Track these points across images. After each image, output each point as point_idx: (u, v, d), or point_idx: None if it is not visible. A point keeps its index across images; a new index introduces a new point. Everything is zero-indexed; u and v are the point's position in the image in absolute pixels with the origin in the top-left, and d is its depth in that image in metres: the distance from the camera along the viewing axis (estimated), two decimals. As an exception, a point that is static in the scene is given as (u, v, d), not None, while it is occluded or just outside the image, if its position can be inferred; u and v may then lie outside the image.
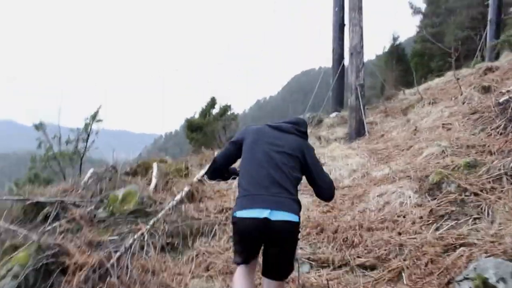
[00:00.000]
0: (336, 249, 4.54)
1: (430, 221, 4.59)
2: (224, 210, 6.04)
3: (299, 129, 3.14)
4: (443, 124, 8.04)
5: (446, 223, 4.46)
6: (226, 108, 14.28)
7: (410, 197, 5.20)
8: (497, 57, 15.67)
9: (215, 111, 14.26)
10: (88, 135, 13.54)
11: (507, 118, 6.79)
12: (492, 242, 3.79)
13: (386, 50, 41.85)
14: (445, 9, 33.56)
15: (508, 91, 7.52)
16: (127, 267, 4.30)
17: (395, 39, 41.63)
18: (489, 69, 11.05)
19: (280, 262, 2.88)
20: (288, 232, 2.78)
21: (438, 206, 4.77)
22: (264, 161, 2.89)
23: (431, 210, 4.73)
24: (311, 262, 4.38)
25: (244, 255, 2.94)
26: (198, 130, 13.40)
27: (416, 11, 38.70)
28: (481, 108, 7.87)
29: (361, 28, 11.40)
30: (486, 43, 16.46)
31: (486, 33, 16.59)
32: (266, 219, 2.67)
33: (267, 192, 2.76)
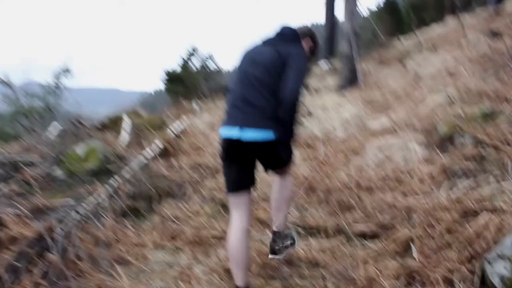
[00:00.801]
0: (329, 213, 3.77)
1: (442, 180, 3.80)
2: (199, 167, 5.23)
3: (283, 37, 2.88)
4: (447, 70, 7.20)
5: (462, 182, 3.67)
6: (207, 58, 13.26)
7: (416, 151, 4.42)
8: (498, 1, 14.69)
9: (197, 62, 13.27)
10: (59, 89, 12.56)
11: (522, 62, 5.97)
12: (525, 207, 3.02)
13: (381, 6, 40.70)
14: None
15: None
16: (73, 239, 3.49)
17: (387, -10, 40.38)
18: (496, 14, 10.12)
19: (272, 163, 2.89)
20: (267, 149, 2.66)
21: (451, 161, 3.98)
22: (241, 80, 2.76)
23: (442, 167, 3.94)
24: (298, 229, 3.60)
25: (233, 176, 2.77)
26: (178, 81, 12.43)
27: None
28: (490, 52, 7.02)
29: (356, -33, 10.33)
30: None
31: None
32: (238, 139, 2.58)
33: (239, 111, 2.65)
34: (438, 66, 7.97)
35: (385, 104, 6.95)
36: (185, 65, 13.18)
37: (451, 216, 3.14)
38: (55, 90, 12.50)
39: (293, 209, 3.91)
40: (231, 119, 2.66)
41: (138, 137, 7.06)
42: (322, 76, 11.55)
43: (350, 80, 9.89)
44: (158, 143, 6.21)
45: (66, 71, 12.53)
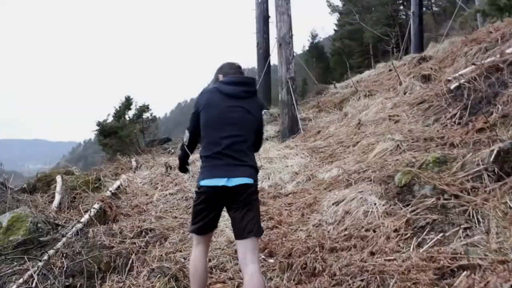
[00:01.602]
0: (294, 280, 3.44)
1: (409, 235, 3.61)
2: (144, 233, 4.76)
3: (248, 91, 3.13)
4: (389, 116, 7.26)
5: (429, 237, 3.50)
6: (143, 109, 12.77)
7: (375, 204, 4.22)
8: (421, 48, 15.54)
9: (131, 112, 12.75)
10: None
11: (461, 106, 6.09)
12: (502, 262, 2.85)
13: (307, 48, 42.17)
14: (362, 7, 33.96)
15: (455, 77, 6.83)
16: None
17: (314, 37, 42.03)
18: (423, 59, 10.57)
19: (248, 220, 2.94)
20: (246, 192, 2.93)
21: (414, 214, 3.81)
22: (227, 123, 3.00)
23: (407, 221, 3.76)
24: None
25: (202, 223, 3.04)
26: (112, 134, 11.82)
27: (334, 9, 39.09)
28: (428, 97, 7.18)
29: (289, 16, 10.46)
30: (410, 35, 16.29)
31: (410, 26, 16.43)
32: (224, 187, 2.89)
33: (224, 162, 2.95)
34: (377, 112, 8.04)
35: (331, 153, 6.84)
36: (119, 116, 12.62)
37: (428, 278, 2.93)
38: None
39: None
40: (216, 172, 2.95)
41: (73, 199, 6.47)
42: (262, 124, 11.45)
43: (291, 128, 9.82)
44: (95, 206, 5.68)
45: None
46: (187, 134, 3.31)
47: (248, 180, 2.94)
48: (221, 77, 3.22)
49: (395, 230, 3.72)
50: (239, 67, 3.32)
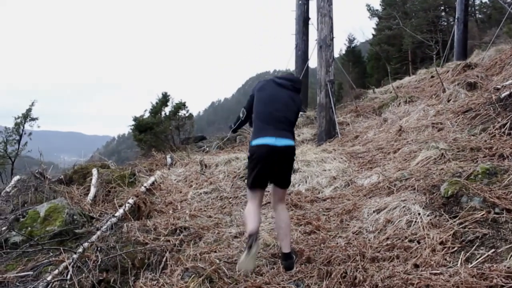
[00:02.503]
0: (333, 289, 3.29)
1: (456, 249, 3.41)
2: (178, 231, 4.69)
3: (295, 86, 4.03)
4: (432, 123, 7.01)
5: (479, 252, 3.29)
6: (180, 106, 12.78)
7: (419, 214, 4.03)
8: (465, 55, 15.08)
9: (167, 109, 12.79)
10: (20, 136, 11.76)
11: None
12: None
13: (344, 52, 41.72)
14: (402, 12, 33.34)
15: (505, 86, 6.54)
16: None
17: (351, 41, 41.55)
18: (468, 66, 10.21)
19: (285, 175, 3.81)
20: (289, 152, 3.77)
21: (462, 227, 3.61)
22: (275, 103, 3.89)
23: (454, 233, 3.56)
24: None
25: (258, 178, 3.74)
26: (148, 130, 11.87)
27: (373, 13, 38.57)
28: (474, 105, 6.89)
29: (331, 18, 10.28)
30: (453, 41, 15.81)
31: (454, 32, 15.95)
32: (275, 145, 3.65)
33: (272, 127, 3.75)
34: (419, 118, 7.79)
35: (371, 158, 6.64)
36: (155, 112, 12.68)
37: (479, 296, 2.74)
38: (16, 136, 11.73)
39: (290, 284, 3.44)
40: (272, 132, 3.73)
41: (107, 193, 6.48)
42: (297, 126, 11.28)
43: (328, 131, 9.64)
44: (130, 201, 5.67)
45: (29, 116, 11.82)
46: (243, 111, 4.21)
47: (291, 142, 3.76)
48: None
49: (441, 243, 3.52)
50: (291, 73, 4.49)
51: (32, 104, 11.92)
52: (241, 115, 4.23)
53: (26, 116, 11.64)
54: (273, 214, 4.05)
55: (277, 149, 3.65)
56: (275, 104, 3.88)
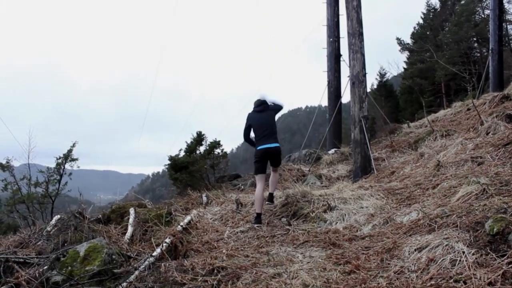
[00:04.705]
0: (378, 333, 3.18)
1: (506, 290, 3.27)
2: (216, 271, 4.66)
3: (264, 106, 7.32)
4: (471, 157, 6.83)
5: (531, 294, 3.14)
6: (214, 145, 12.95)
7: (463, 252, 3.89)
8: (501, 86, 14.81)
9: (202, 148, 12.97)
10: (61, 176, 12.10)
11: (556, 149, 5.62)
12: None
13: (375, 87, 41.61)
14: (434, 45, 33.19)
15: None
16: None
17: (382, 75, 41.47)
18: (506, 97, 10.00)
19: (277, 161, 7.27)
20: (278, 151, 7.10)
21: (511, 266, 3.46)
22: (262, 126, 7.10)
23: (503, 273, 3.41)
24: None
25: (261, 168, 7.03)
26: (183, 169, 12.01)
27: (404, 47, 38.55)
28: (515, 138, 6.71)
29: (362, 55, 10.31)
30: (488, 72, 15.58)
31: (488, 63, 15.73)
32: (269, 147, 6.95)
33: (267, 138, 7.00)
34: (458, 152, 7.62)
35: (409, 195, 6.50)
36: (190, 151, 12.85)
37: None
38: (57, 176, 12.08)
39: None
40: (266, 141, 6.96)
41: (144, 232, 6.53)
42: (332, 163, 11.21)
43: (363, 167, 9.52)
44: (167, 240, 5.69)
45: (70, 156, 12.19)
46: (244, 133, 7.37)
47: (277, 145, 7.05)
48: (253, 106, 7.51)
49: (490, 283, 3.37)
50: (258, 99, 7.44)
51: (73, 145, 12.31)
52: (244, 137, 7.46)
53: (67, 156, 12.00)
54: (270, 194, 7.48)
55: (270, 149, 6.94)
56: (262, 127, 7.06)
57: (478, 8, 32.20)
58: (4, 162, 11.82)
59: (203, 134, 13.23)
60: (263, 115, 7.10)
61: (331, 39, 14.72)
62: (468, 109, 11.24)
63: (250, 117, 7.22)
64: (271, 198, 7.42)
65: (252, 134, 7.37)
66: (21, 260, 5.26)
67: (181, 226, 6.53)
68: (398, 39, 37.90)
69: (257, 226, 6.42)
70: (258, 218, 6.55)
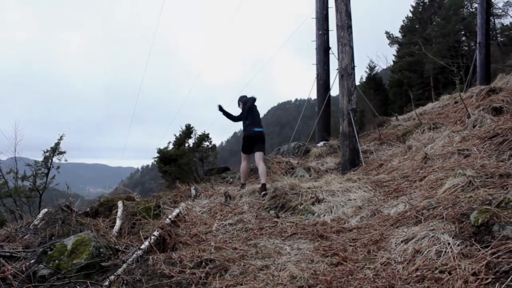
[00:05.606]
0: (364, 325, 3.21)
1: (490, 280, 3.30)
2: (204, 263, 4.66)
3: (253, 101, 8.70)
4: (458, 150, 6.90)
5: (514, 284, 3.18)
6: (203, 138, 12.93)
7: (449, 243, 3.93)
8: (488, 79, 14.94)
9: (191, 141, 12.94)
10: (49, 170, 12.00)
11: (541, 141, 5.69)
12: None
13: (364, 80, 41.72)
14: (422, 38, 33.31)
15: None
16: None
17: (372, 68, 41.56)
18: (492, 91, 10.08)
19: (261, 146, 8.51)
20: (261, 135, 8.61)
21: (495, 257, 3.50)
22: (250, 115, 8.64)
23: (487, 264, 3.45)
24: None
25: (248, 148, 8.57)
26: (172, 162, 11.99)
27: (393, 40, 38.66)
28: (501, 130, 6.78)
29: (351, 48, 10.32)
30: (476, 66, 15.72)
31: (476, 57, 15.86)
32: (255, 131, 8.49)
33: (255, 123, 8.56)
34: (445, 145, 7.69)
35: (396, 187, 6.54)
36: (179, 144, 12.82)
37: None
38: (45, 169, 11.97)
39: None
40: (254, 126, 8.51)
41: (133, 225, 6.51)
42: (321, 156, 11.24)
43: (352, 160, 9.57)
44: (155, 233, 5.68)
45: (57, 149, 12.08)
46: (236, 117, 8.90)
47: (261, 129, 8.52)
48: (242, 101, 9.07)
49: (474, 274, 3.41)
50: (245, 95, 9.00)
51: (61, 138, 12.20)
52: (234, 115, 8.91)
53: (55, 149, 11.89)
54: (260, 180, 8.04)
55: (256, 133, 8.37)
56: (252, 114, 8.52)
57: (466, 2, 32.44)
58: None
59: (192, 127, 13.19)
60: (255, 107, 8.74)
61: (320, 32, 14.72)
62: (456, 102, 11.33)
63: (244, 103, 8.81)
64: (263, 188, 7.69)
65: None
66: (8, 254, 5.24)
67: (170, 219, 6.51)
68: (387, 32, 38.03)
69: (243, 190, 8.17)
70: (244, 186, 8.53)
